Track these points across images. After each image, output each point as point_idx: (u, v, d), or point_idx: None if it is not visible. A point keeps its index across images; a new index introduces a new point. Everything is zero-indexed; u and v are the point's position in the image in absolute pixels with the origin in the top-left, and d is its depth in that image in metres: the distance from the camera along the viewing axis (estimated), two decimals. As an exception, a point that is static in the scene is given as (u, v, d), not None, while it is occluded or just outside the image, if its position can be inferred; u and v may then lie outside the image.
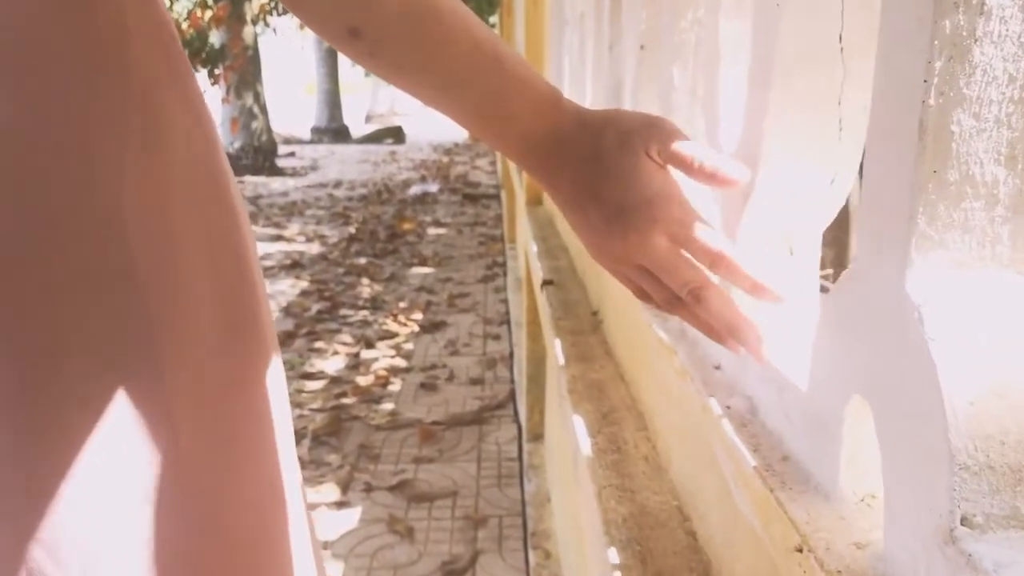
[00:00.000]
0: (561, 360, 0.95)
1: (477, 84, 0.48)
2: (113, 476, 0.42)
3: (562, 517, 1.67)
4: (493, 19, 11.25)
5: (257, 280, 0.51)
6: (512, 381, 2.83)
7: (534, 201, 2.20)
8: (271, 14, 7.83)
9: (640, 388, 0.83)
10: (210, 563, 0.46)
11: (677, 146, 0.47)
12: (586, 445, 0.72)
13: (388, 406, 2.64)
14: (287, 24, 8.99)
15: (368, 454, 2.31)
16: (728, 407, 0.54)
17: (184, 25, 7.04)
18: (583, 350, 0.99)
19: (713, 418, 0.54)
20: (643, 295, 0.50)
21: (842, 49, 0.48)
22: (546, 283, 1.32)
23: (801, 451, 0.46)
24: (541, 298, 1.32)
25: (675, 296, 0.48)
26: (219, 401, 0.47)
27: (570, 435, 0.79)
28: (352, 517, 2.00)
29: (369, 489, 2.13)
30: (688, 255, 0.47)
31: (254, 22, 8.08)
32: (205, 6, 7.30)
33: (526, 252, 2.10)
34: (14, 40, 0.40)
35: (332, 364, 3.03)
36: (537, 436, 2.26)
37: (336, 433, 2.44)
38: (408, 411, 2.61)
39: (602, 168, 0.47)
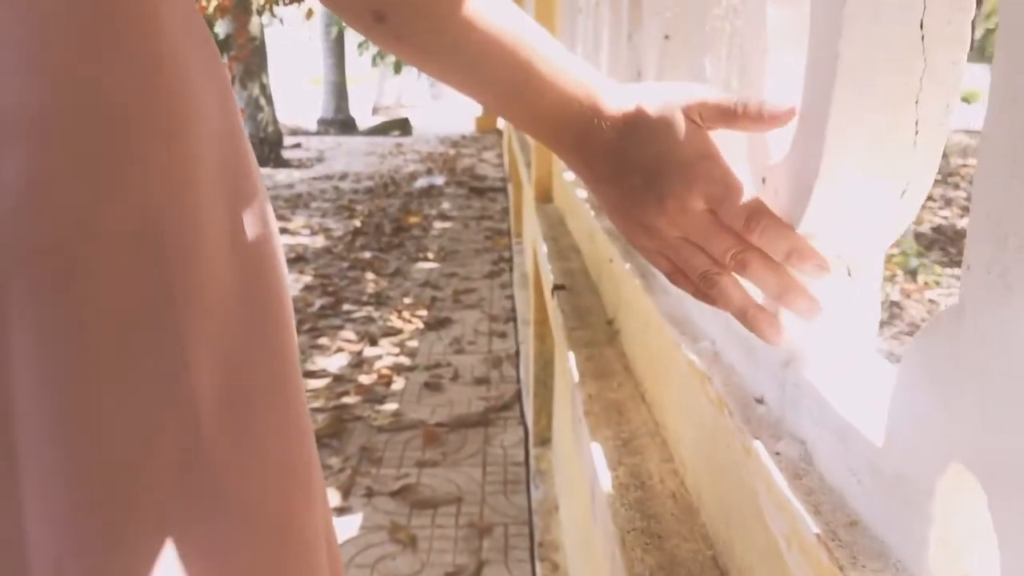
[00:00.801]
0: (576, 377, 0.88)
1: (507, 63, 0.47)
2: (135, 456, 0.42)
3: (571, 528, 1.60)
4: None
5: (280, 256, 0.50)
6: (518, 381, 2.76)
7: (543, 198, 2.12)
8: (277, 4, 7.73)
9: (664, 411, 0.75)
10: (233, 546, 0.45)
11: (717, 99, 0.46)
12: (606, 479, 0.65)
13: (391, 406, 2.57)
14: (294, 14, 8.91)
15: (370, 457, 2.25)
16: (777, 452, 0.47)
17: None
18: (599, 365, 0.92)
19: (759, 464, 0.47)
20: (677, 276, 0.48)
21: (923, 38, 0.41)
22: (557, 288, 1.25)
23: (873, 516, 0.38)
24: (552, 305, 1.25)
25: (712, 271, 0.46)
26: (244, 380, 0.46)
27: (587, 465, 0.72)
28: (353, 524, 1.94)
29: (371, 494, 2.06)
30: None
31: (259, 12, 7.99)
32: (210, -5, 7.21)
33: (534, 251, 2.03)
34: (39, 20, 0.39)
35: (335, 362, 2.96)
36: (544, 440, 2.19)
37: (338, 434, 2.38)
38: (412, 412, 2.54)
39: (640, 134, 0.46)
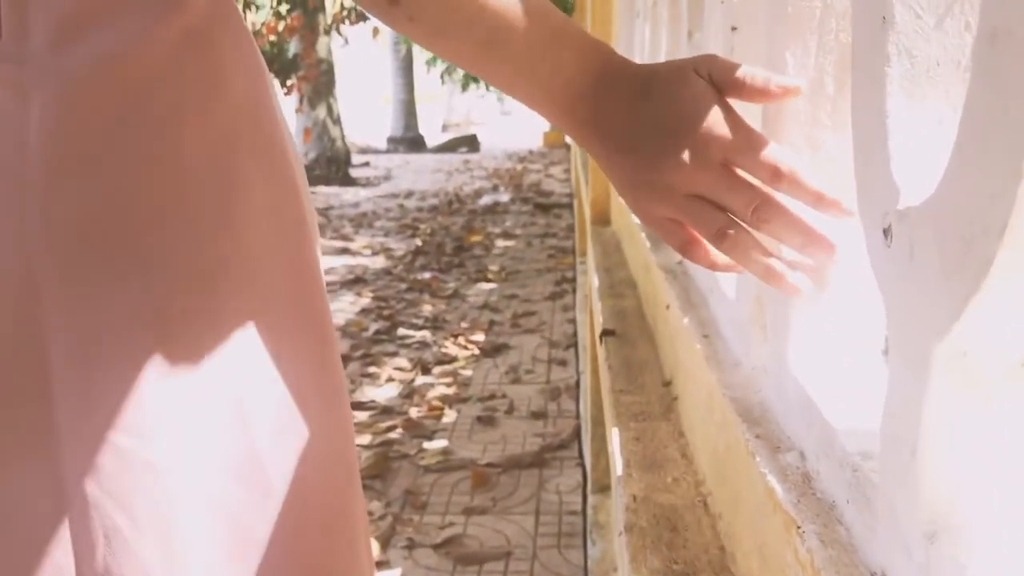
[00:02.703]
0: (619, 467, 0.68)
1: (521, 38, 0.47)
2: (182, 439, 0.43)
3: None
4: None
5: (312, 223, 0.52)
6: (578, 415, 2.56)
7: (600, 220, 1.93)
8: (344, 23, 7.76)
9: (734, 538, 0.55)
10: (282, 536, 0.46)
11: (727, 62, 0.46)
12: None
13: (440, 443, 2.41)
14: (361, 33, 8.95)
15: (414, 502, 2.08)
16: None
17: (256, 37, 7.05)
18: (650, 449, 0.72)
19: None
20: (691, 245, 0.46)
21: None
22: (606, 334, 1.06)
23: None
24: (600, 355, 1.05)
25: (729, 226, 0.44)
26: (285, 351, 0.47)
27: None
28: (390, 580, 1.77)
29: (412, 546, 1.89)
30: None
31: (327, 32, 8.04)
32: (279, 17, 7.29)
33: (589, 280, 1.83)
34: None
35: (384, 392, 2.82)
36: (603, 488, 1.98)
37: (382, 475, 2.22)
38: (462, 449, 2.37)
39: (653, 94, 0.46)
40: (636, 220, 1.30)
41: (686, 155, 0.44)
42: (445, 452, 2.34)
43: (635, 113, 0.46)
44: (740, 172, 0.44)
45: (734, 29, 0.66)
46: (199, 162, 0.44)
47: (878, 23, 0.33)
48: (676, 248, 0.47)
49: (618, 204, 1.72)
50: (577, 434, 2.43)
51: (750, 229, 0.44)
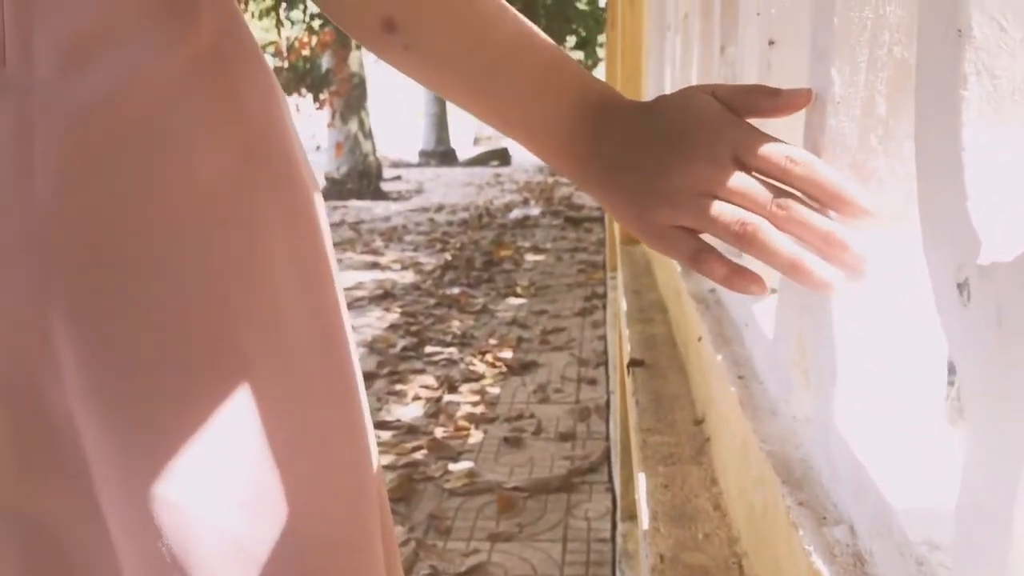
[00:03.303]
0: (646, 519, 0.63)
1: (523, 70, 0.46)
2: (201, 476, 0.43)
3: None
4: (600, 37, 10.96)
5: (329, 252, 0.51)
6: (607, 438, 2.49)
7: (630, 238, 1.87)
8: (375, 38, 7.78)
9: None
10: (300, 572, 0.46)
11: (734, 86, 0.44)
12: None
13: (466, 464, 2.35)
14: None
15: (438, 527, 2.03)
16: None
17: (289, 51, 7.11)
18: (680, 497, 0.66)
19: None
20: (703, 253, 0.43)
21: None
22: (634, 364, 1.00)
23: None
24: (628, 387, 1.00)
25: (748, 220, 0.41)
26: (304, 374, 0.46)
27: None
28: (412, 609, 1.72)
29: (435, 574, 1.84)
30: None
31: (359, 47, 8.08)
32: (311, 31, 7.35)
33: (617, 303, 1.77)
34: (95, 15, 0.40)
35: (410, 411, 2.77)
36: (633, 515, 1.91)
37: (406, 498, 2.17)
38: (488, 471, 2.31)
39: (658, 110, 0.45)
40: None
41: (694, 154, 0.42)
42: (471, 475, 2.29)
43: (638, 128, 0.45)
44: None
45: (771, 43, 0.60)
46: (212, 190, 0.43)
47: (951, 37, 0.27)
48: (687, 261, 0.44)
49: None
50: (607, 457, 2.36)
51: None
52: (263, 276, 0.45)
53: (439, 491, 2.21)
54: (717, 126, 0.43)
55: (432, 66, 0.46)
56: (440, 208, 7.72)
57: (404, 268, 5.12)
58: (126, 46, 0.40)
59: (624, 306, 1.28)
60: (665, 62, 1.56)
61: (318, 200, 0.51)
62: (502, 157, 12.82)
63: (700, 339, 0.81)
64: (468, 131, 17.65)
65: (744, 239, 0.41)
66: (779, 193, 0.41)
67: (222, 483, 0.43)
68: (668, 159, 0.43)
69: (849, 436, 0.44)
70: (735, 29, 0.84)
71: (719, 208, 0.41)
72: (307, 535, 0.45)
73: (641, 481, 0.70)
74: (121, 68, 0.40)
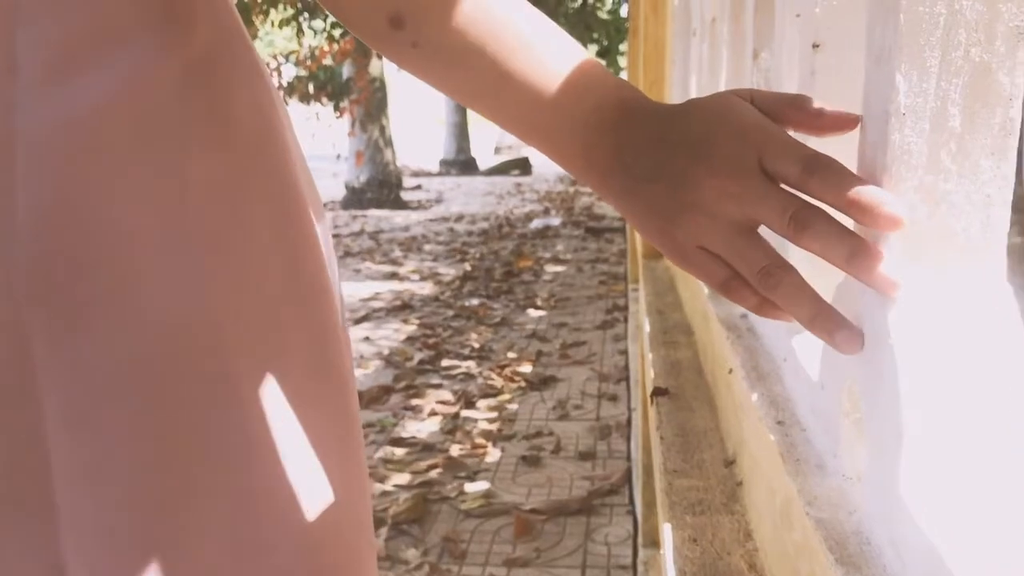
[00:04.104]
0: (670, 581, 0.56)
1: (541, 68, 0.43)
2: (182, 512, 0.40)
3: None
4: (622, 46, 10.89)
5: (329, 265, 0.48)
6: (629, 458, 2.41)
7: (652, 252, 1.80)
8: (396, 48, 7.77)
9: None
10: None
11: (774, 94, 0.42)
12: None
13: (483, 485, 2.29)
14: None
15: (453, 550, 1.96)
16: None
17: (310, 60, 7.11)
18: (710, 553, 0.59)
19: None
20: (733, 282, 0.41)
21: None
22: (658, 393, 0.93)
23: None
24: (651, 419, 0.93)
25: (774, 264, 0.39)
26: (291, 382, 0.43)
27: None
28: (424, 639, 1.65)
29: (448, 601, 1.78)
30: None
31: (379, 56, 8.08)
32: (332, 40, 7.36)
33: (639, 323, 1.70)
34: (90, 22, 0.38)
35: (426, 427, 2.71)
36: (655, 541, 1.83)
37: (420, 519, 2.11)
38: (505, 492, 2.24)
39: (687, 115, 0.42)
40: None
41: (721, 166, 0.40)
42: (487, 495, 2.22)
43: (663, 135, 0.42)
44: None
45: (816, 46, 0.54)
46: (202, 204, 0.40)
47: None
48: (717, 288, 0.42)
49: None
50: (628, 478, 2.29)
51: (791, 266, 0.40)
52: (255, 294, 0.42)
53: (454, 512, 2.15)
54: (749, 134, 0.40)
55: (442, 65, 0.44)
56: (460, 218, 7.68)
57: (423, 279, 5.07)
58: (116, 55, 0.38)
59: (647, 327, 1.21)
60: (691, 70, 1.50)
61: (318, 212, 0.48)
62: (523, 166, 12.79)
63: (731, 371, 0.74)
64: (489, 140, 17.61)
65: (768, 284, 0.39)
66: (801, 207, 0.38)
67: (205, 523, 0.40)
68: (693, 169, 0.41)
69: (918, 507, 0.37)
70: (771, 32, 0.77)
71: (741, 244, 0.40)
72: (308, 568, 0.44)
73: (667, 533, 0.63)
74: (110, 78, 0.38)
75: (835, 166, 0.38)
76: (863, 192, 0.36)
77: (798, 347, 0.60)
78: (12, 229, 0.36)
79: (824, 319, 0.39)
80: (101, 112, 0.37)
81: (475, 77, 0.44)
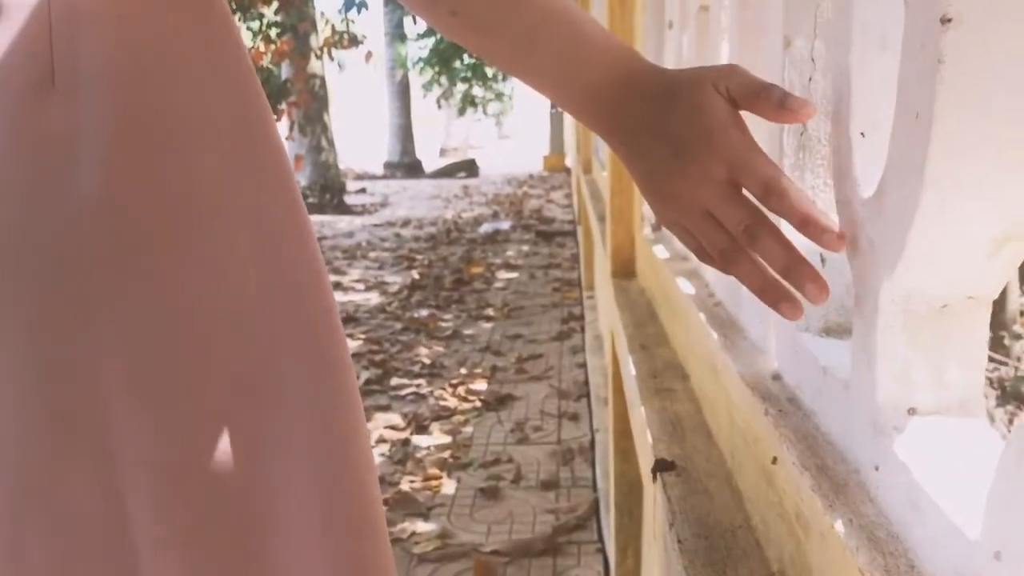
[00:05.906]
0: None
1: (563, 26, 0.49)
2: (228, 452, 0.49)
3: None
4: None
5: (312, 243, 0.56)
6: (595, 487, 2.24)
7: (623, 272, 1.62)
8: (336, 47, 7.49)
9: None
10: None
11: (748, 78, 0.46)
12: None
13: (436, 524, 2.08)
14: (353, 58, 8.69)
15: (406, 604, 1.76)
16: None
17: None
18: None
19: None
20: (703, 252, 0.49)
21: None
22: (661, 468, 0.74)
23: None
24: (658, 505, 0.74)
25: (731, 248, 0.46)
26: (274, 367, 0.52)
27: None
28: None
29: (402, 669, 1.57)
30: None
31: (319, 56, 7.78)
32: (268, 40, 7.04)
33: (613, 348, 1.52)
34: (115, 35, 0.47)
35: (375, 457, 2.50)
36: (631, 588, 1.66)
37: (368, 568, 1.90)
38: (463, 531, 2.04)
39: (672, 101, 0.47)
40: (679, 287, 1.00)
41: (693, 169, 0.46)
42: (443, 535, 2.02)
43: (653, 121, 0.48)
44: (745, 193, 0.45)
45: (946, 21, 0.35)
46: (235, 185, 0.50)
47: None
48: (692, 251, 0.49)
49: (647, 253, 1.41)
50: (595, 510, 2.11)
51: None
52: (284, 267, 0.53)
53: (406, 556, 1.94)
54: (717, 141, 0.45)
55: (474, 32, 0.50)
56: (407, 223, 7.44)
57: (368, 288, 4.83)
58: (168, 52, 0.48)
59: (631, 370, 1.03)
60: (665, 65, 1.32)
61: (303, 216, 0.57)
62: (469, 168, 12.57)
63: (775, 461, 0.56)
64: (434, 142, 17.32)
65: (725, 263, 0.47)
66: (754, 223, 0.45)
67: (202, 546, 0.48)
68: (671, 166, 0.47)
69: None
70: (810, 12, 0.59)
71: (708, 229, 0.47)
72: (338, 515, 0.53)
73: None
74: (162, 71, 0.47)
75: (791, 190, 0.43)
76: (814, 215, 0.43)
77: (926, 485, 0.40)
78: (78, 200, 0.45)
79: (797, 272, 0.44)
80: (152, 103, 0.47)
81: (503, 44, 0.50)
